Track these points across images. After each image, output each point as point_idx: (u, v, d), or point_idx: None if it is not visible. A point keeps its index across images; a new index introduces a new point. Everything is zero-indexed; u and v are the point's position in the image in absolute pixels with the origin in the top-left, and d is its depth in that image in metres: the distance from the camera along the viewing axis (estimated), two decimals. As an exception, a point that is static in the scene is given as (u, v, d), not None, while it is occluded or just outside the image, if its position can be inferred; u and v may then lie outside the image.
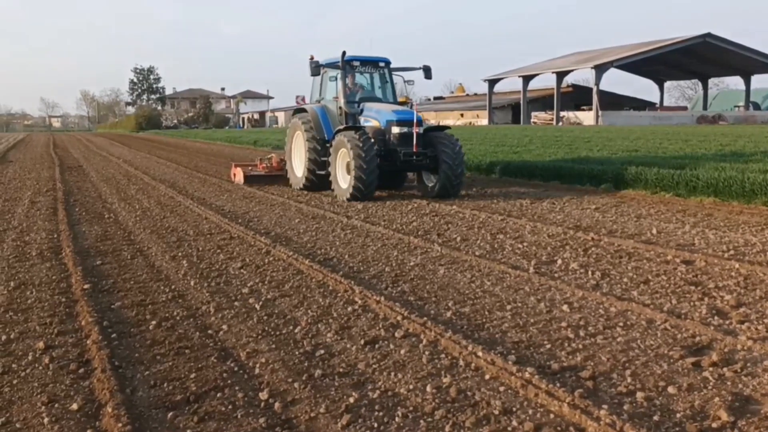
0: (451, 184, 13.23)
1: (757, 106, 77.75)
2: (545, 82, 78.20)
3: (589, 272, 7.09)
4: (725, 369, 4.41)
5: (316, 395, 4.15)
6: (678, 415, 3.78)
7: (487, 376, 4.37)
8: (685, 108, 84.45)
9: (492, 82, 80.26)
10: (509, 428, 3.68)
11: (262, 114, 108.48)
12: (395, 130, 13.21)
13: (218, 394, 4.20)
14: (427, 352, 4.82)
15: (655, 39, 71.21)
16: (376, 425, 3.75)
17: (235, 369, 4.62)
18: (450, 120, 74.80)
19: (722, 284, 6.52)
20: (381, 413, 3.89)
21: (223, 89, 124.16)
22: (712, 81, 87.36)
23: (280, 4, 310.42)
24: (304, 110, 15.23)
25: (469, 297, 6.28)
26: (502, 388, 4.18)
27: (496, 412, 3.85)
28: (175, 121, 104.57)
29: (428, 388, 4.19)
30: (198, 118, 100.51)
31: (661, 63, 74.87)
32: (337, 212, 11.61)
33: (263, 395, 4.15)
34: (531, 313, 5.76)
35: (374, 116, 13.76)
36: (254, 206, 12.64)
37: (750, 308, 5.74)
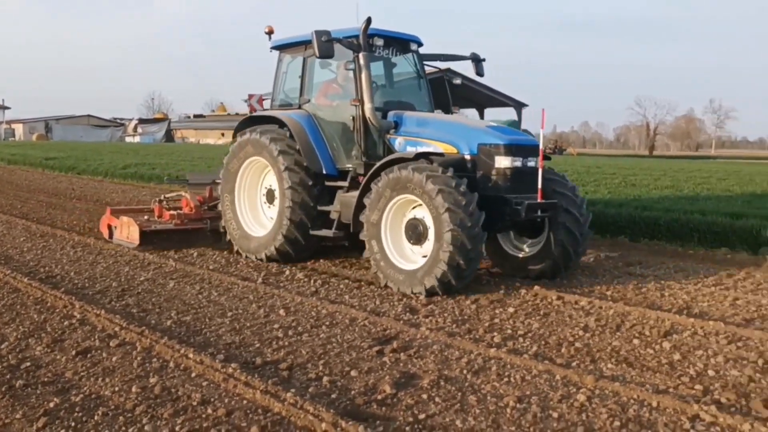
0: (569, 257, 7.91)
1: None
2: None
3: (312, 280, 7.76)
4: (402, 354, 5.23)
5: (14, 404, 4.17)
6: (352, 392, 4.45)
7: (193, 374, 4.71)
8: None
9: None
10: (204, 415, 4.06)
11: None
12: (503, 163, 7.47)
13: None
14: (139, 358, 5.02)
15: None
16: (73, 425, 3.90)
17: (-75, 388, 4.43)
18: (210, 139, 73.64)
19: (421, 287, 7.53)
20: (80, 414, 4.04)
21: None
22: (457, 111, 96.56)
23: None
24: (272, 120, 8.99)
25: (194, 307, 6.56)
26: (205, 383, 4.55)
27: (195, 403, 4.21)
28: None
29: (134, 389, 4.42)
30: None
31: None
32: (69, 230, 11.11)
33: (-47, 410, 4.07)
34: (249, 318, 6.21)
35: (439, 136, 7.95)
36: (-26, 225, 11.60)
37: (437, 305, 6.75)
